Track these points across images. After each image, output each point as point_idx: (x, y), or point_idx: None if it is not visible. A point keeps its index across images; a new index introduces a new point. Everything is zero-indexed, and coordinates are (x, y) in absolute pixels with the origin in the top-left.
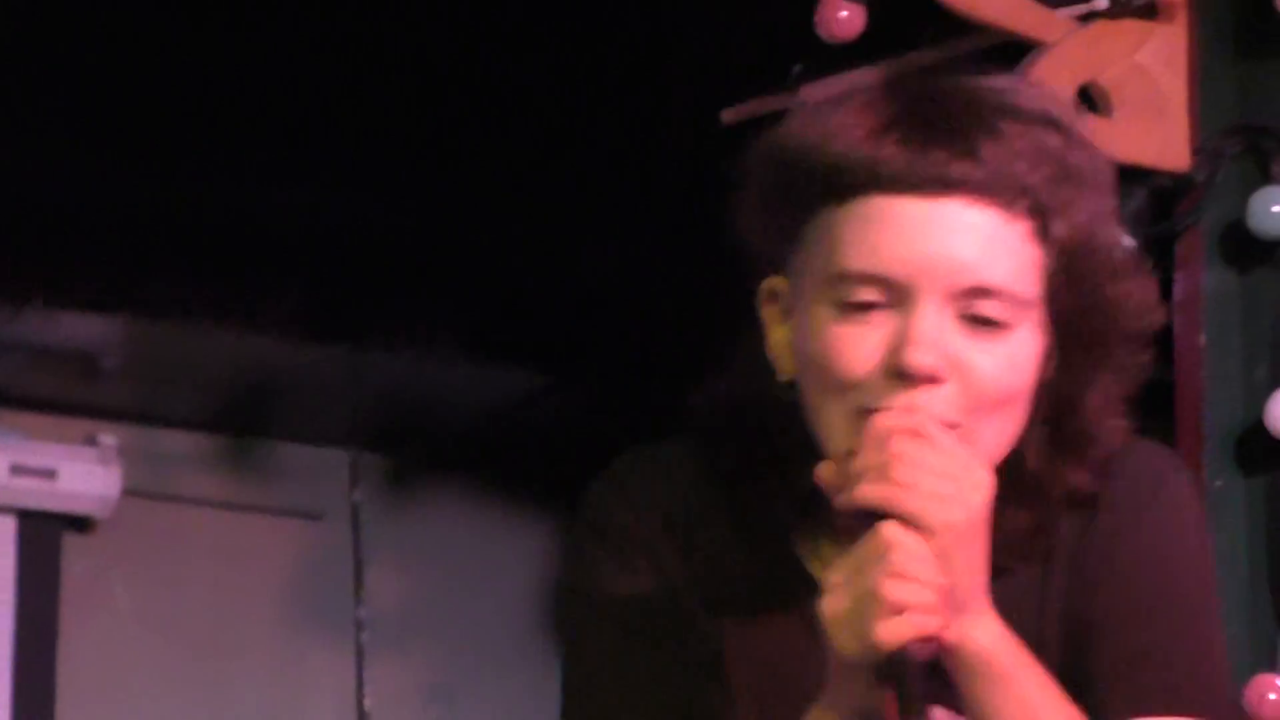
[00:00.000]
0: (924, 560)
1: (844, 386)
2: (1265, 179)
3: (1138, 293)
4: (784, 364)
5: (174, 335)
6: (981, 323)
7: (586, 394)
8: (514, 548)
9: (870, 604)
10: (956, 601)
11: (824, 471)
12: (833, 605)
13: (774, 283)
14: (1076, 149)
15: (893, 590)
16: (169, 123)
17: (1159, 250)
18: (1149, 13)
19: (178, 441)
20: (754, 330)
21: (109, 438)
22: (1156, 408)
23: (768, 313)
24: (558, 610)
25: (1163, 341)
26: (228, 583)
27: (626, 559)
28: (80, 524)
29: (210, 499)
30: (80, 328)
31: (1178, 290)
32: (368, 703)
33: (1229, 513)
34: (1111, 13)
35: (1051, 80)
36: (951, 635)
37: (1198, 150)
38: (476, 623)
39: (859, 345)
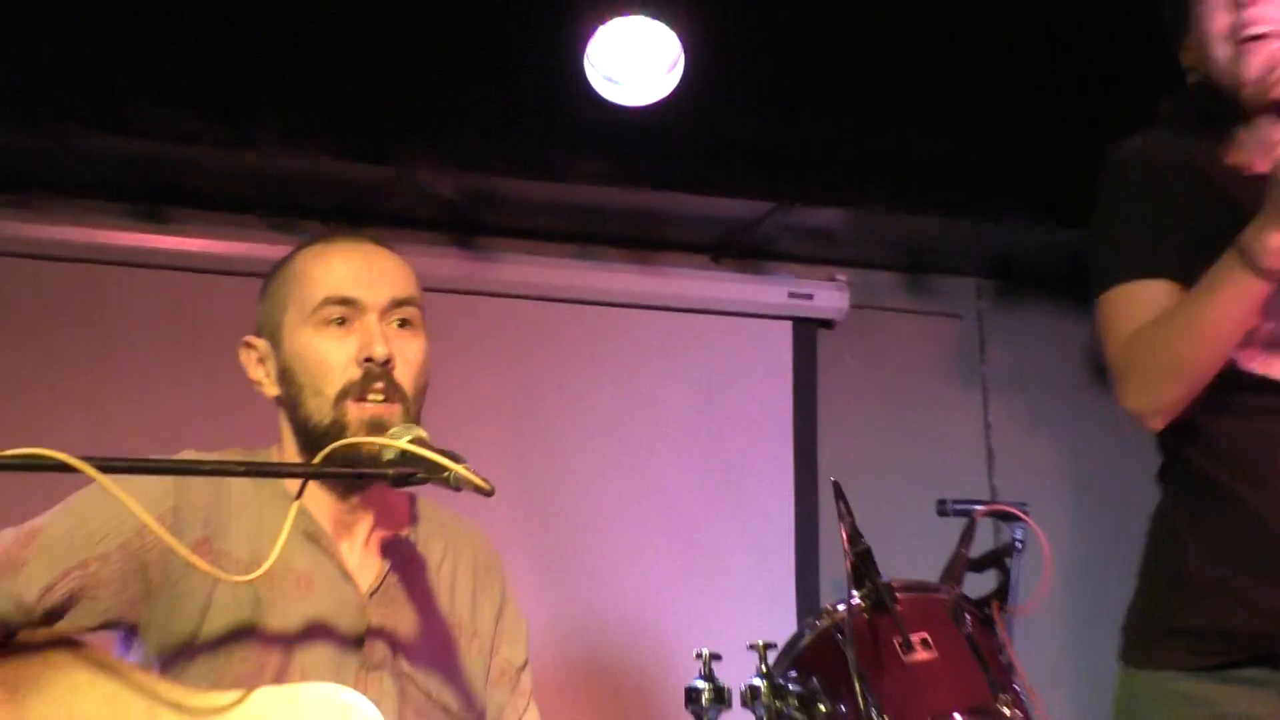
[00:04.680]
0: None
1: None
2: None
3: None
4: (1198, 62)
5: (891, 220)
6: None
7: None
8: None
9: None
10: None
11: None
12: None
13: None
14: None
15: None
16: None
17: None
18: None
19: (880, 278)
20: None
21: (841, 275)
22: None
23: None
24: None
25: None
26: (907, 351)
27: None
28: (827, 325)
29: (898, 307)
30: (824, 217)
31: None
32: (993, 438)
33: None
34: None
35: None
36: None
37: None
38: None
39: None
